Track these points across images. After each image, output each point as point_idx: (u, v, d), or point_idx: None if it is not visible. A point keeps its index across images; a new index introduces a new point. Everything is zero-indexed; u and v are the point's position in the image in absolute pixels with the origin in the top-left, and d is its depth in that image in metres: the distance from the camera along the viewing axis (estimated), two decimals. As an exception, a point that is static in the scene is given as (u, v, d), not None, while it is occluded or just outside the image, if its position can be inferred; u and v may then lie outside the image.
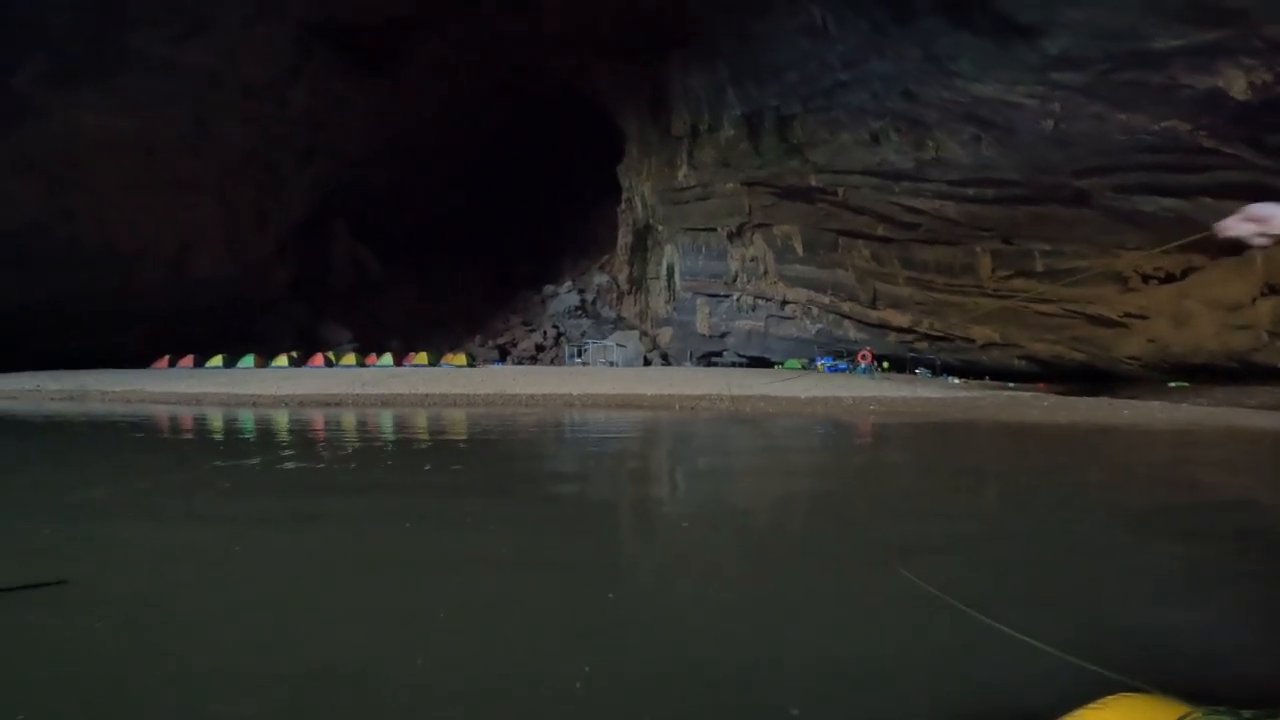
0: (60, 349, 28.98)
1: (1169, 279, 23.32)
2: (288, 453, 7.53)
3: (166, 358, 31.15)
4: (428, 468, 6.37)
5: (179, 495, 5.35)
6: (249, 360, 31.26)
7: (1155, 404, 15.89)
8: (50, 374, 23.66)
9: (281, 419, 12.43)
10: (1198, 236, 2.88)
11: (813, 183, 30.23)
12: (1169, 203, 20.92)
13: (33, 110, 25.06)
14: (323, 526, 4.27)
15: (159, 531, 4.26)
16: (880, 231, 29.66)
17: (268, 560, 3.60)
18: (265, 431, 10.55)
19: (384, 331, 41.15)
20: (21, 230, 26.51)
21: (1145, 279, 23.68)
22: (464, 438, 9.50)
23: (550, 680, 2.29)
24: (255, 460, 6.85)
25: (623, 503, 5.17)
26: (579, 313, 45.73)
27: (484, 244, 51.83)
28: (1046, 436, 10.10)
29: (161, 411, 14.44)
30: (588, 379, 21.92)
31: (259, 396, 17.15)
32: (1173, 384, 24.41)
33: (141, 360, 30.43)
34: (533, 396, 17.20)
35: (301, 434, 10.14)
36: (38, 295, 27.92)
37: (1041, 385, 25.38)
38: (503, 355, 40.81)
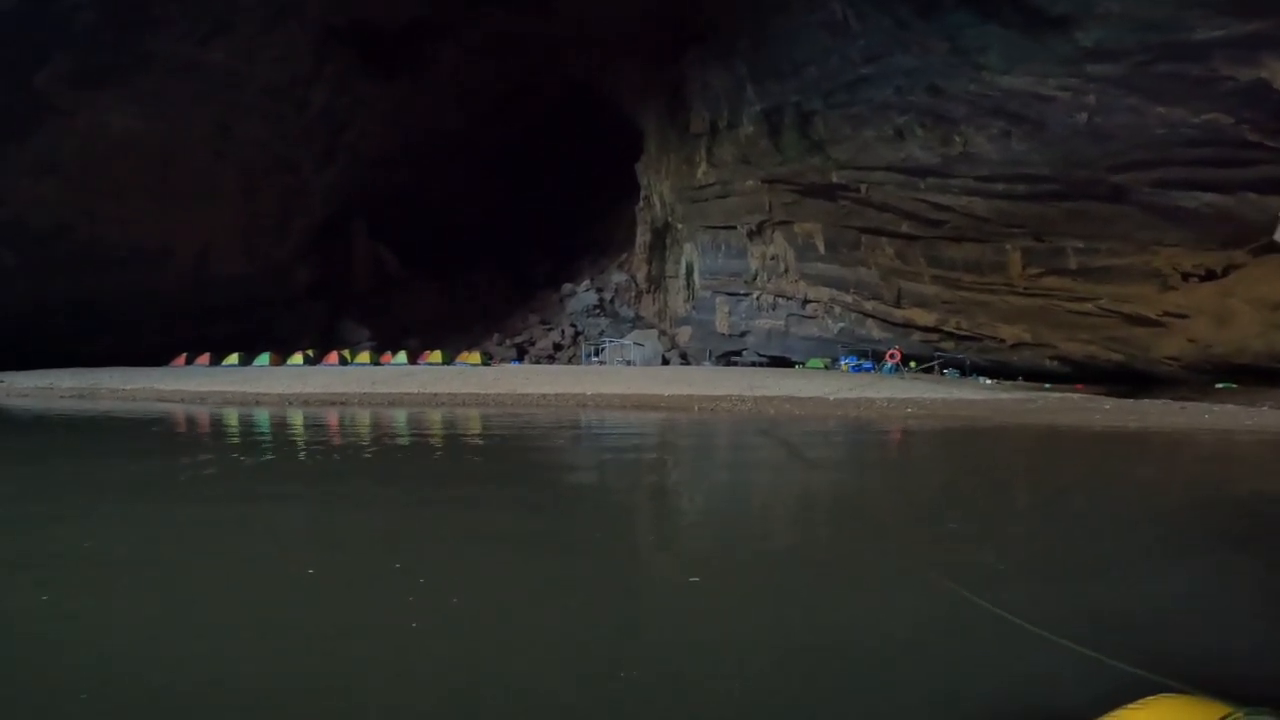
0: (82, 347, 29.33)
1: (1210, 276, 22.34)
2: (205, 457, 7.14)
3: (183, 356, 31.39)
4: (389, 469, 6.01)
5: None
6: (264, 359, 31.39)
7: (1231, 408, 14.36)
8: (68, 372, 23.92)
9: (266, 417, 12.29)
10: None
11: (835, 180, 29.55)
12: (1211, 198, 20.04)
13: (55, 111, 25.33)
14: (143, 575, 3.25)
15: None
16: (905, 229, 28.88)
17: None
18: (221, 431, 10.31)
19: (403, 331, 41.16)
20: (44, 230, 26.84)
21: (1185, 277, 22.72)
22: (441, 441, 9.05)
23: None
24: (174, 463, 6.47)
25: (622, 553, 3.90)
26: (597, 311, 45.38)
27: (503, 243, 51.72)
28: (1136, 446, 8.99)
29: (156, 409, 14.29)
30: (603, 379, 21.56)
31: (264, 395, 17.01)
32: (1220, 385, 23.39)
33: (161, 359, 30.69)
34: (544, 396, 16.85)
35: (257, 434, 9.86)
36: (60, 294, 28.27)
37: (1080, 386, 24.46)
38: (520, 354, 40.61)
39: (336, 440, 9.13)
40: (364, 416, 12.52)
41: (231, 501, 4.92)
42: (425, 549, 3.59)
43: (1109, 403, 15.41)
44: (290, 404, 15.55)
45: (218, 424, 11.38)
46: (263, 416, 12.68)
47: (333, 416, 12.58)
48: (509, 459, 7.48)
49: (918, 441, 9.84)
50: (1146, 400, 16.19)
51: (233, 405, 15.36)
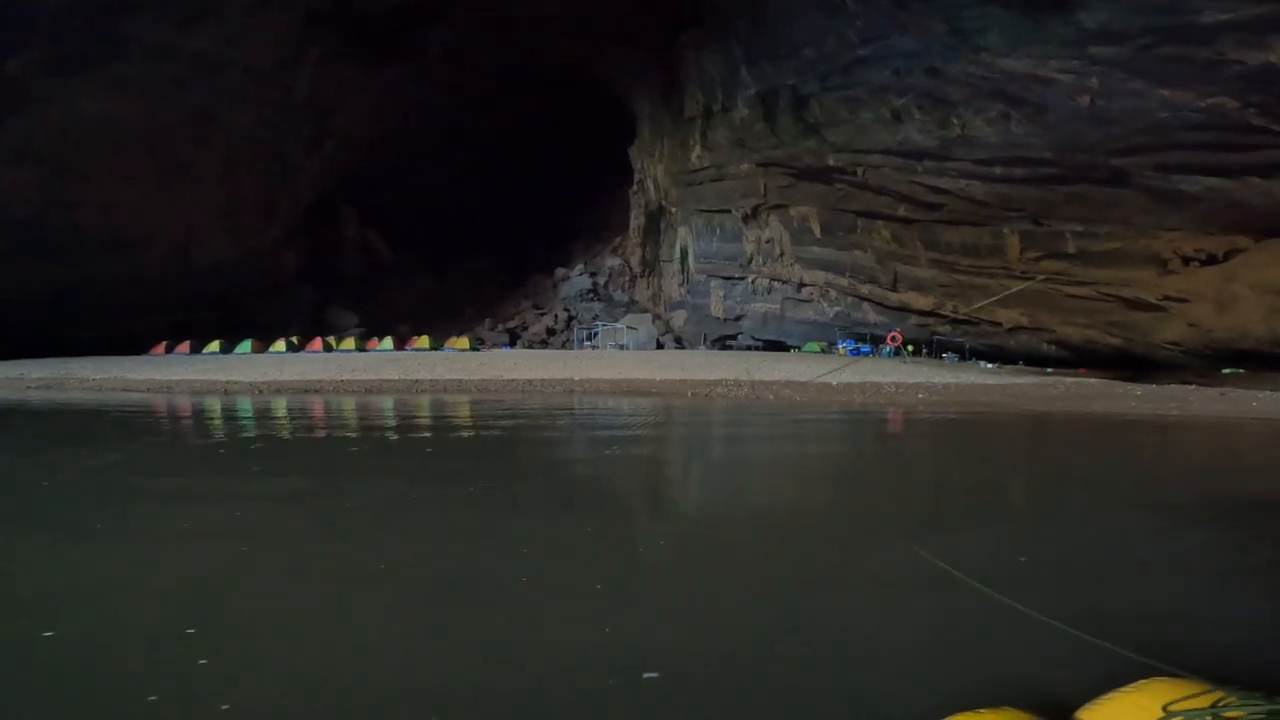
0: (64, 336, 28.76)
1: (1211, 261, 22.14)
2: (87, 450, 6.74)
3: (163, 344, 30.81)
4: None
5: None
6: (246, 346, 30.78)
7: (1274, 394, 13.16)
8: (39, 361, 23.38)
9: (209, 406, 11.92)
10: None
11: (831, 163, 29.16)
12: (1213, 182, 19.77)
13: (29, 98, 24.60)
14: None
15: None
16: (902, 212, 28.60)
17: None
18: (127, 422, 10.00)
19: (394, 316, 40.65)
20: (22, 218, 26.22)
21: (1186, 261, 22.51)
22: (380, 434, 8.47)
23: None
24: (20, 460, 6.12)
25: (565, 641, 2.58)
26: (591, 296, 44.99)
27: (495, 228, 51.07)
28: (1209, 438, 8.20)
29: (115, 399, 13.79)
30: (593, 363, 21.21)
31: (235, 383, 16.52)
32: (1227, 370, 23.25)
33: (144, 347, 30.16)
34: (530, 382, 16.48)
35: (165, 424, 9.60)
36: (42, 283, 27.70)
37: (1083, 370, 24.28)
38: (513, 339, 40.24)
39: (255, 433, 8.50)
40: (325, 405, 11.91)
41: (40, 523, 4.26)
42: (287, 590, 2.79)
43: (1138, 389, 14.42)
44: (260, 392, 15.06)
45: (128, 413, 10.91)
46: (209, 405, 12.21)
47: (287, 405, 11.97)
48: (458, 459, 6.69)
49: (947, 436, 8.71)
50: (1175, 385, 15.32)
51: (203, 394, 14.86)
